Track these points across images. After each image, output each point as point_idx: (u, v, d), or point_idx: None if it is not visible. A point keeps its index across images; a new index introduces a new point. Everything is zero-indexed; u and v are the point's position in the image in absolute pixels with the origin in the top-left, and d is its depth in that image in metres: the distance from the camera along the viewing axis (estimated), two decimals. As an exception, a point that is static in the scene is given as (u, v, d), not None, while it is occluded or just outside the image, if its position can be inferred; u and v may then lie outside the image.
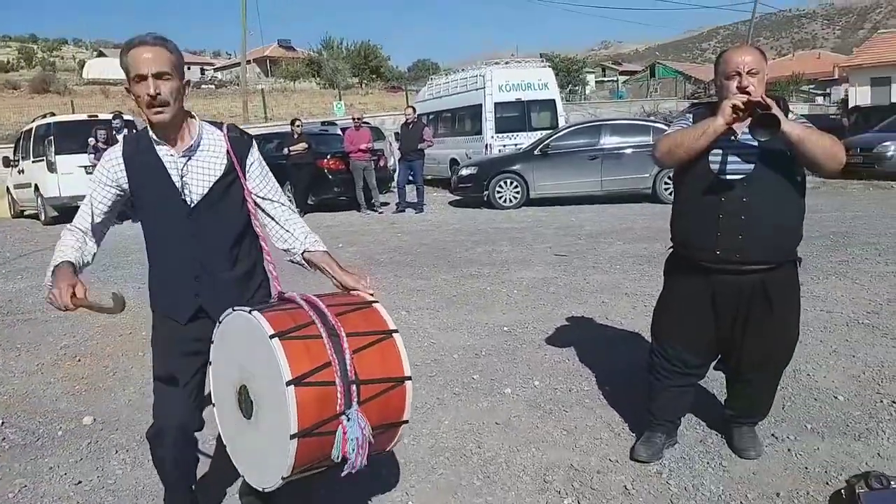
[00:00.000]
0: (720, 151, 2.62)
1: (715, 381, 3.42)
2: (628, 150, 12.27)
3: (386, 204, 13.15)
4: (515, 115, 15.38)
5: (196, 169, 2.18)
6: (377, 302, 2.13)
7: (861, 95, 30.57)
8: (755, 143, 2.52)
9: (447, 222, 11.30)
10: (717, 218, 2.61)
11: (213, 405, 2.16)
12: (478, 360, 4.35)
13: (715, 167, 2.62)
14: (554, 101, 15.80)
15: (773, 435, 3.12)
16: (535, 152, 12.63)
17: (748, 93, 2.52)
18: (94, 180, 2.21)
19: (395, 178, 13.53)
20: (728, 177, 2.60)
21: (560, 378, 3.96)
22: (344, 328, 1.93)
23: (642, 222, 9.85)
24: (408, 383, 2.03)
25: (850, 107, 26.66)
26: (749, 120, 2.47)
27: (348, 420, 1.85)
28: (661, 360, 2.93)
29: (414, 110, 13.34)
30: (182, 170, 2.16)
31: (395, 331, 2.05)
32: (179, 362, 2.24)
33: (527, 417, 3.48)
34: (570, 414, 3.49)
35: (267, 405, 1.89)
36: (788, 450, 3.00)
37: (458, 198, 13.78)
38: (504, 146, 14.91)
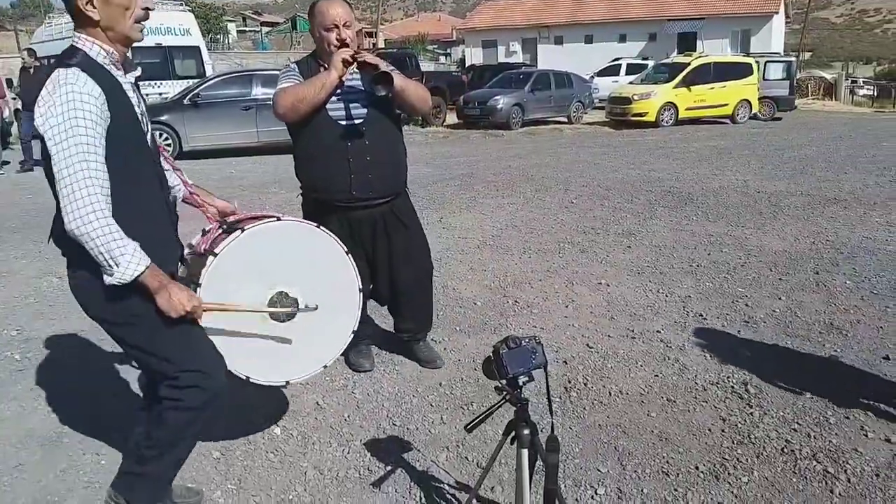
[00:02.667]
0: (337, 100, 2.90)
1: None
2: (282, 101, 12.36)
3: (7, 163, 11.18)
4: (157, 62, 14.26)
5: (142, 98, 1.95)
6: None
7: (475, 55, 35.18)
8: (363, 89, 2.89)
9: (88, 180, 10.13)
10: (347, 161, 2.91)
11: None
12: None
13: (335, 115, 2.90)
14: (199, 48, 15.05)
15: (432, 339, 3.72)
16: (185, 102, 11.98)
17: (347, 45, 2.84)
18: (85, 127, 1.70)
19: (18, 133, 11.55)
20: (353, 122, 2.91)
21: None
22: None
23: (301, 172, 10.12)
24: None
25: (467, 65, 30.49)
26: (355, 67, 2.83)
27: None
28: None
29: (34, 54, 11.43)
30: (137, 98, 1.91)
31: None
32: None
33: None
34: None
35: (320, 290, 2.23)
36: (444, 349, 3.64)
37: (96, 153, 12.38)
38: (147, 95, 13.70)
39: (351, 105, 2.91)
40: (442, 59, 43.65)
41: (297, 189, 3.18)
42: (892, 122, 19.27)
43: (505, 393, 1.79)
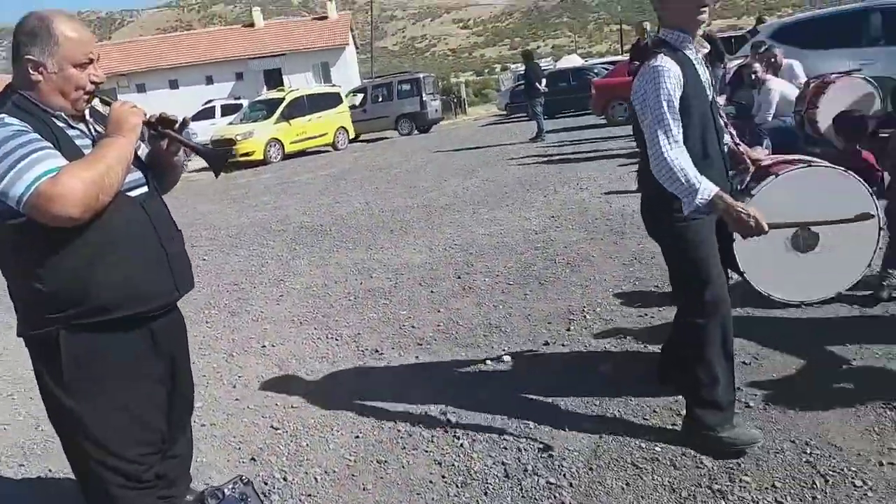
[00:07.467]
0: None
1: None
2: None
3: None
4: None
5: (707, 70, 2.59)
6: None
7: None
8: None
9: None
10: (165, 254, 1.99)
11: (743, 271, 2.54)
12: None
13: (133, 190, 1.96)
14: None
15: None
16: None
17: (97, 83, 1.90)
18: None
19: None
20: (144, 190, 2.01)
21: None
22: None
23: None
24: None
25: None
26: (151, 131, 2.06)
27: None
28: (131, 471, 1.93)
29: None
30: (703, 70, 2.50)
31: None
32: None
33: None
34: None
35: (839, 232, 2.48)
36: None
37: None
38: None
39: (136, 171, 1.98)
40: None
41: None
42: (461, 129, 22.44)
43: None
